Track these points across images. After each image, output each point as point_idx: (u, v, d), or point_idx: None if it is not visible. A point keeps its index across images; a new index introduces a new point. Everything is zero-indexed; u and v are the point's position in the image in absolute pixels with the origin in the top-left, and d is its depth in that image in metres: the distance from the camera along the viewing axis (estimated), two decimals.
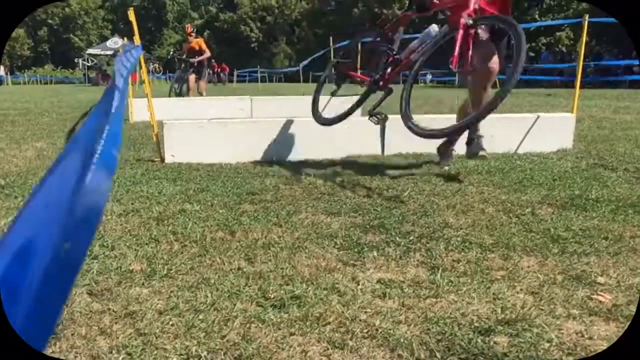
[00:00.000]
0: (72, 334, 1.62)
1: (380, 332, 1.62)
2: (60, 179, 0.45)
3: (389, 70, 4.11)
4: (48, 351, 1.53)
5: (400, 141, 4.82)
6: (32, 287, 0.36)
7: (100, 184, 0.47)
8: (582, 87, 5.28)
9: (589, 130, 6.41)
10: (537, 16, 28.90)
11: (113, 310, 1.78)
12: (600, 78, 18.74)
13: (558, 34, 29.55)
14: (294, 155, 4.64)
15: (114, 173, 0.53)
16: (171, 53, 13.02)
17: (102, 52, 36.51)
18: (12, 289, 0.34)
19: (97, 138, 0.53)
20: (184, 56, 11.13)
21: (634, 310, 1.76)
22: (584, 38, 5.05)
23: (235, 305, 1.81)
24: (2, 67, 41.97)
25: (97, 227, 0.47)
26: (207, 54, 11.21)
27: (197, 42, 11.12)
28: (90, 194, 0.45)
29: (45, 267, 0.37)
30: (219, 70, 32.08)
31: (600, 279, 2.04)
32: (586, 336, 1.62)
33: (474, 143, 3.86)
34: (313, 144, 4.71)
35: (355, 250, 2.36)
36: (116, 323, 1.70)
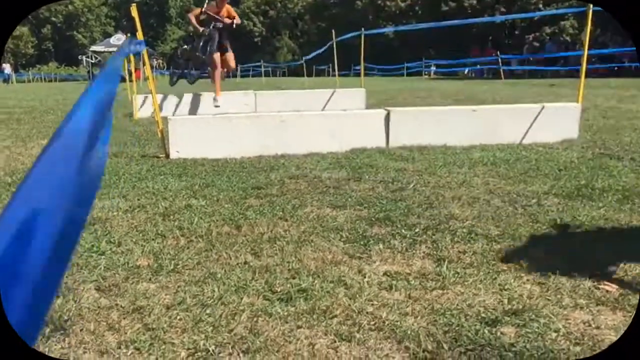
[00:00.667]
0: (81, 330, 1.63)
1: (388, 324, 1.63)
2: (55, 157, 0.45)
3: None
4: (57, 347, 1.55)
5: (405, 133, 4.82)
6: (32, 270, 0.36)
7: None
8: (586, 76, 5.25)
9: (595, 120, 6.38)
10: (541, 5, 28.73)
11: (121, 306, 1.79)
12: (604, 65, 18.54)
13: (562, 23, 29.37)
14: (299, 149, 4.63)
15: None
16: (200, 10, 9.59)
17: (106, 49, 36.48)
18: (11, 271, 0.34)
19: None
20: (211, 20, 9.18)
21: None
22: (589, 27, 5.01)
23: (242, 299, 1.82)
24: (8, 65, 41.75)
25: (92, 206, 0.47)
26: (238, 20, 9.37)
27: (229, 9, 9.32)
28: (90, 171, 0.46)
29: (50, 248, 0.37)
30: None
31: (607, 269, 2.04)
32: (593, 325, 1.62)
33: None
34: (318, 137, 4.70)
35: (361, 243, 2.37)
36: (124, 318, 1.71)
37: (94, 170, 0.49)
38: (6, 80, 38.56)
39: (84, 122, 0.52)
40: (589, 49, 5.01)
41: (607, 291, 1.84)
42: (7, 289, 0.33)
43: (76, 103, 0.52)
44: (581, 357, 1.46)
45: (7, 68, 41.21)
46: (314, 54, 14.07)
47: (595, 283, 1.91)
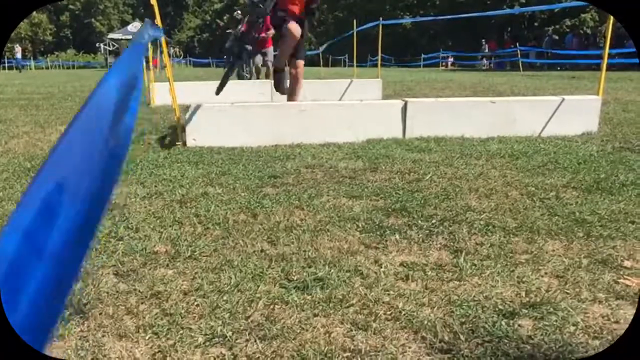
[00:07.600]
0: (100, 313, 1.65)
1: (404, 314, 1.63)
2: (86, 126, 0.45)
3: None
4: (76, 330, 1.56)
5: (422, 124, 4.79)
6: (56, 249, 0.35)
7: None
8: (606, 69, 5.17)
9: (615, 113, 6.30)
10: None
11: (139, 291, 1.80)
12: (625, 60, 18.22)
13: (583, 15, 28.97)
14: (315, 139, 4.63)
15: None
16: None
17: (124, 37, 36.54)
18: (35, 249, 0.34)
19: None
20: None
21: None
22: (611, 20, 4.93)
23: (258, 286, 1.82)
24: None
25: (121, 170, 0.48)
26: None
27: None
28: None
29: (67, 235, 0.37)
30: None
31: (627, 263, 2.01)
32: (612, 320, 1.60)
33: None
34: (334, 127, 4.69)
35: (378, 233, 2.36)
36: (142, 303, 1.72)
37: (121, 141, 0.49)
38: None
39: (111, 93, 0.52)
40: (609, 44, 4.92)
41: (626, 285, 1.82)
42: (30, 267, 0.33)
43: (103, 77, 0.52)
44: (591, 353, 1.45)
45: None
46: (329, 42, 14.03)
47: (615, 277, 1.89)
